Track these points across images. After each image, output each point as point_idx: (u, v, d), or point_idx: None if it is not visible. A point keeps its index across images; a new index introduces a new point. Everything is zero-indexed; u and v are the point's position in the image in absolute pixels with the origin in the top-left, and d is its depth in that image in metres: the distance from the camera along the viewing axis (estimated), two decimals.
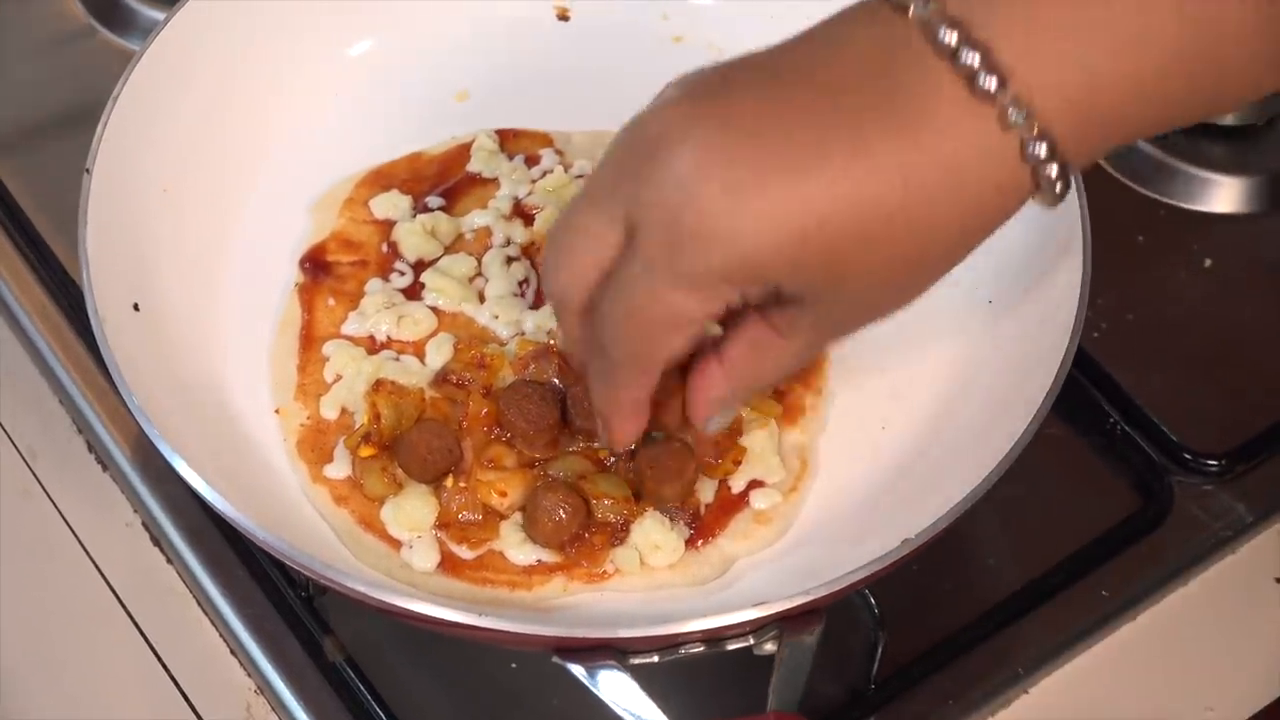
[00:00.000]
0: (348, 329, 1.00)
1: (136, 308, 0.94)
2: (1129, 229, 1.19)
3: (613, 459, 0.93)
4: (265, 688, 0.96)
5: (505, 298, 1.01)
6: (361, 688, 0.95)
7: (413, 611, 0.80)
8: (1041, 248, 0.98)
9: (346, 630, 0.97)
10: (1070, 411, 1.06)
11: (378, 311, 1.00)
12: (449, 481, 0.92)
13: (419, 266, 1.03)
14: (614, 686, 0.79)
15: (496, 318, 1.01)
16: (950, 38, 0.65)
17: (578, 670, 0.79)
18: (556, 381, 0.95)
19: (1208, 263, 1.18)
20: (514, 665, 0.96)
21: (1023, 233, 1.01)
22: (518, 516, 0.92)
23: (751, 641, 0.81)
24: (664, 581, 0.91)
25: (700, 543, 0.92)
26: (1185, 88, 0.67)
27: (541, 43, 1.17)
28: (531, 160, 1.09)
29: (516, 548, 0.91)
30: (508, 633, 0.80)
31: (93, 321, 0.88)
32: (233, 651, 0.98)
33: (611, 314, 0.74)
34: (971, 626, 0.99)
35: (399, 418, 0.93)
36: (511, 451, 0.93)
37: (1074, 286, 0.93)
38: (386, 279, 1.03)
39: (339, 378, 0.98)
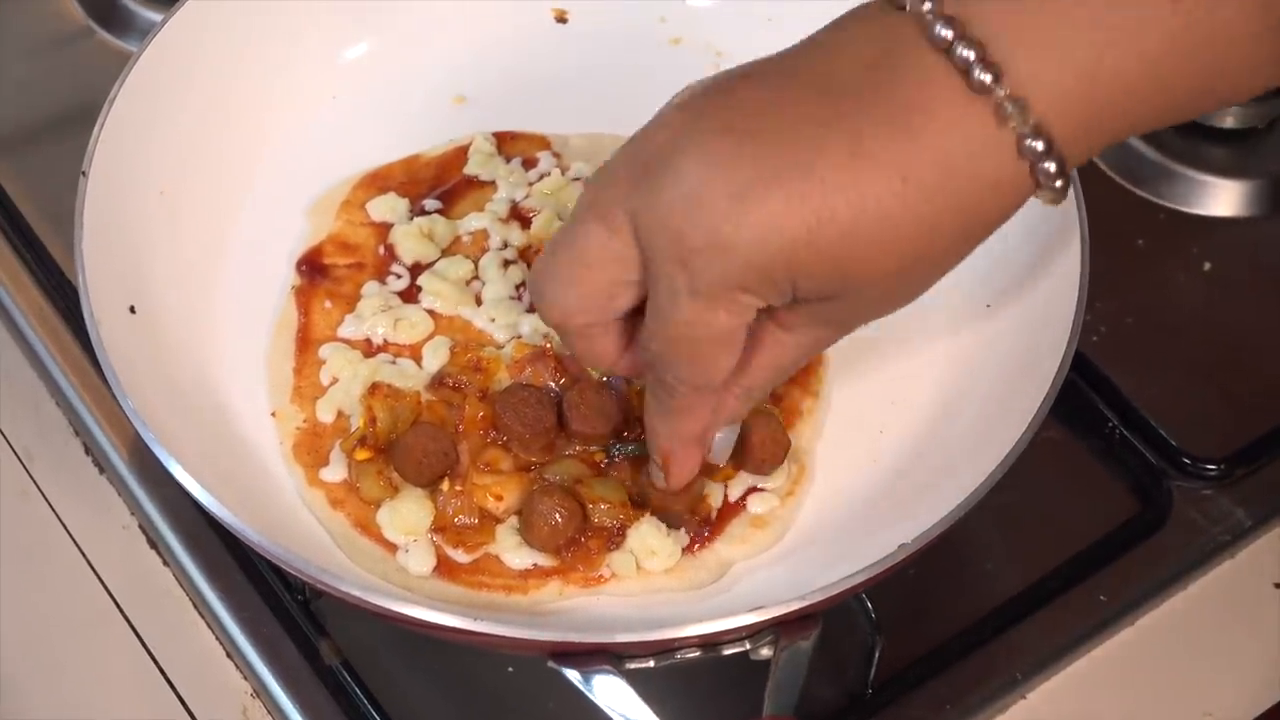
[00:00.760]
0: (344, 332, 1.00)
1: (133, 310, 0.94)
2: (1128, 232, 1.19)
3: (608, 461, 0.93)
4: (261, 691, 0.96)
5: (502, 301, 1.01)
6: (358, 691, 0.94)
7: (408, 616, 0.80)
8: (1040, 251, 0.98)
9: (343, 634, 0.97)
10: (1069, 415, 1.06)
11: (374, 314, 1.00)
12: (445, 485, 0.92)
13: (416, 269, 1.03)
14: (609, 691, 0.79)
15: (493, 321, 1.00)
16: (946, 33, 0.65)
17: (573, 675, 0.79)
18: (553, 385, 0.95)
19: (1207, 266, 1.18)
20: (510, 669, 0.96)
21: (1021, 236, 1.01)
22: (514, 520, 0.92)
23: (748, 646, 0.81)
24: (660, 586, 0.91)
25: (697, 547, 0.92)
26: (1183, 82, 0.67)
27: (539, 45, 1.16)
28: (529, 163, 1.09)
29: (512, 552, 0.91)
30: (503, 637, 0.80)
31: (88, 324, 0.88)
32: (229, 655, 0.98)
33: (659, 348, 0.74)
34: (969, 631, 0.99)
35: (395, 421, 0.93)
36: (507, 455, 0.93)
37: (1072, 290, 0.93)
38: (383, 282, 1.02)
39: (335, 381, 0.98)
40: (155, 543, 1.02)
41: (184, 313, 0.99)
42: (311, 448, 0.95)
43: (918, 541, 0.81)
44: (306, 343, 1.00)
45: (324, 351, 0.99)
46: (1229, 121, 1.23)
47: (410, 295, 1.02)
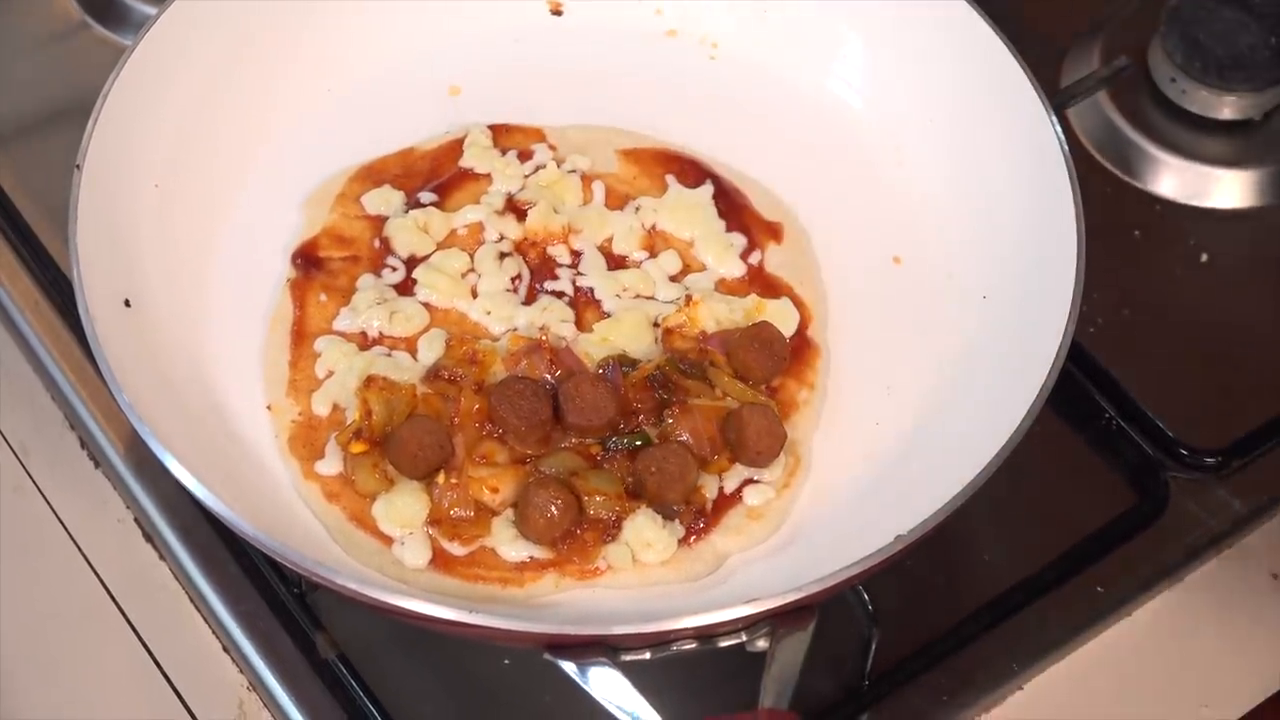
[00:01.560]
0: (339, 324, 1.00)
1: (128, 304, 0.94)
2: (1125, 224, 1.18)
3: (604, 454, 0.93)
4: (258, 684, 0.96)
5: (497, 293, 1.01)
6: (354, 684, 0.94)
7: (404, 608, 0.79)
8: (1036, 243, 0.98)
9: (339, 627, 0.97)
10: (1065, 407, 1.06)
11: (370, 307, 1.00)
12: (440, 478, 0.92)
13: (411, 262, 1.03)
14: (606, 683, 0.79)
15: (489, 313, 1.00)
16: None
17: (569, 667, 0.79)
18: (549, 378, 0.95)
19: (1204, 257, 1.18)
20: (506, 662, 0.96)
21: (1018, 228, 1.01)
22: (509, 513, 0.92)
23: (744, 638, 0.81)
24: (656, 578, 0.91)
25: (693, 539, 0.92)
26: None
27: (534, 37, 1.16)
28: (524, 155, 1.09)
29: (508, 544, 0.91)
30: (499, 629, 0.80)
31: (83, 318, 0.88)
32: (225, 648, 0.97)
33: None
34: (966, 623, 0.99)
35: (390, 414, 0.93)
36: (503, 447, 0.93)
37: (1069, 281, 0.92)
38: (378, 274, 1.02)
39: (330, 373, 0.98)
40: (151, 536, 1.02)
41: (179, 306, 0.99)
42: (307, 441, 0.95)
43: (914, 533, 0.81)
44: (301, 336, 0.99)
45: (319, 344, 0.99)
46: (1226, 113, 1.22)
47: (406, 288, 1.02)
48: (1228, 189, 1.21)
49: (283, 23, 1.09)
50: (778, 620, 0.80)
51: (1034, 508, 1.04)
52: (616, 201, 1.07)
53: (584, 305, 1.01)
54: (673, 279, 1.03)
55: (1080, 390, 1.08)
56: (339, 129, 1.10)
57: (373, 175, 1.08)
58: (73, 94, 1.19)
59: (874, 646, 0.95)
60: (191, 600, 0.99)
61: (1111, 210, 1.17)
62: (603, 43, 1.15)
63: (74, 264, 0.90)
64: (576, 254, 1.04)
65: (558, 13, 1.18)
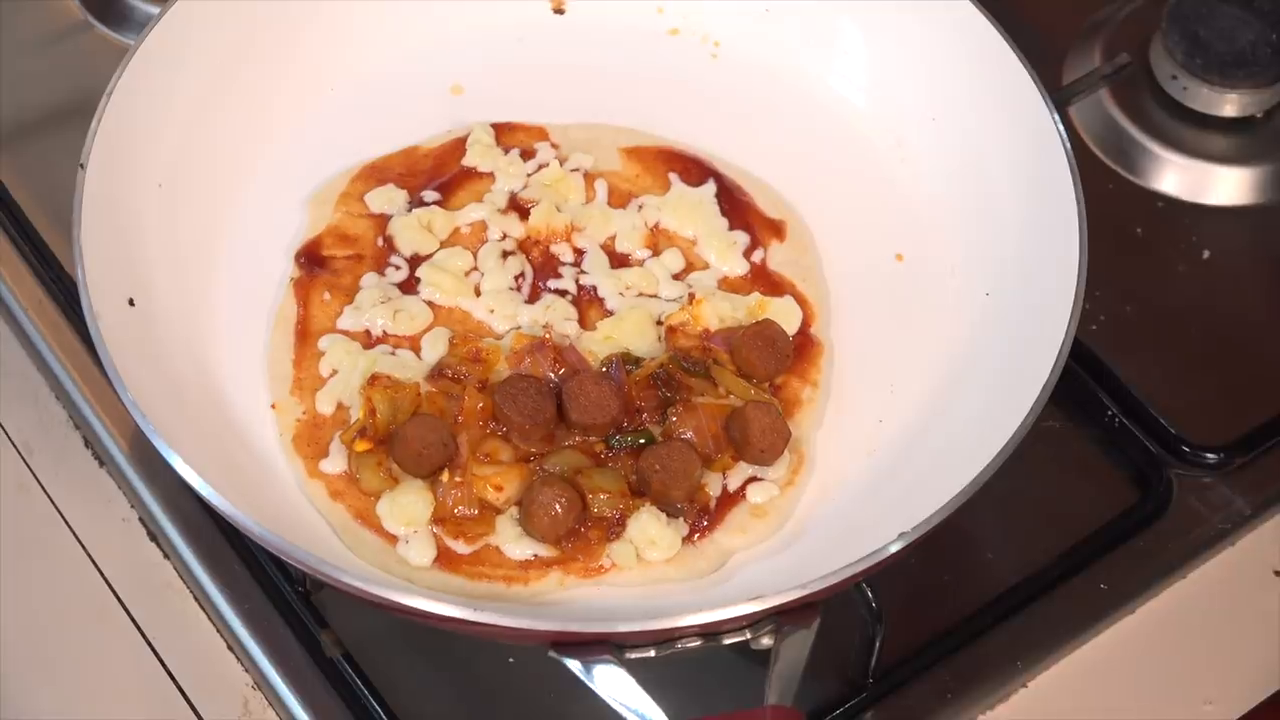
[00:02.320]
0: (343, 323, 1.00)
1: (132, 303, 0.94)
2: (1127, 221, 1.18)
3: (608, 452, 0.93)
4: (262, 683, 0.96)
5: (501, 292, 1.01)
6: (359, 682, 0.94)
7: (409, 606, 0.80)
8: (1038, 240, 0.98)
9: (344, 625, 0.97)
10: (1068, 404, 1.06)
11: (373, 306, 1.00)
12: (445, 476, 0.92)
13: (414, 261, 1.03)
14: (610, 681, 0.79)
15: (492, 312, 1.00)
16: None
17: (574, 665, 0.79)
18: (552, 376, 0.95)
19: (1206, 254, 1.18)
20: (510, 660, 0.96)
21: (1020, 225, 1.01)
22: (514, 511, 0.92)
23: (748, 636, 0.81)
24: (660, 576, 0.91)
25: (697, 537, 0.92)
26: None
27: (537, 36, 1.16)
28: (527, 154, 1.09)
29: (513, 542, 0.91)
30: (504, 627, 0.80)
31: (88, 317, 0.88)
32: (230, 647, 0.97)
33: None
34: (970, 620, 0.99)
35: (394, 412, 0.93)
36: (507, 446, 0.93)
37: (1071, 279, 0.93)
38: (382, 273, 1.02)
39: (334, 372, 0.98)
40: (155, 535, 1.02)
41: (183, 305, 0.99)
42: (311, 439, 0.95)
43: (918, 530, 0.81)
44: (306, 334, 1.00)
45: (323, 343, 0.99)
46: (1228, 110, 1.23)
47: (409, 286, 1.02)
48: (1229, 186, 1.21)
49: (286, 22, 1.09)
50: (782, 618, 0.80)
51: (1037, 505, 1.04)
52: (619, 200, 1.07)
53: (587, 303, 1.01)
54: (676, 277, 1.03)
55: (1083, 387, 1.08)
56: (342, 128, 1.10)
57: (376, 174, 1.08)
58: (76, 94, 1.19)
59: (878, 644, 0.95)
60: (196, 599, 0.99)
61: (1113, 208, 1.17)
62: (605, 41, 1.16)
63: (78, 263, 0.91)
64: (579, 252, 1.04)
65: (560, 11, 1.18)
